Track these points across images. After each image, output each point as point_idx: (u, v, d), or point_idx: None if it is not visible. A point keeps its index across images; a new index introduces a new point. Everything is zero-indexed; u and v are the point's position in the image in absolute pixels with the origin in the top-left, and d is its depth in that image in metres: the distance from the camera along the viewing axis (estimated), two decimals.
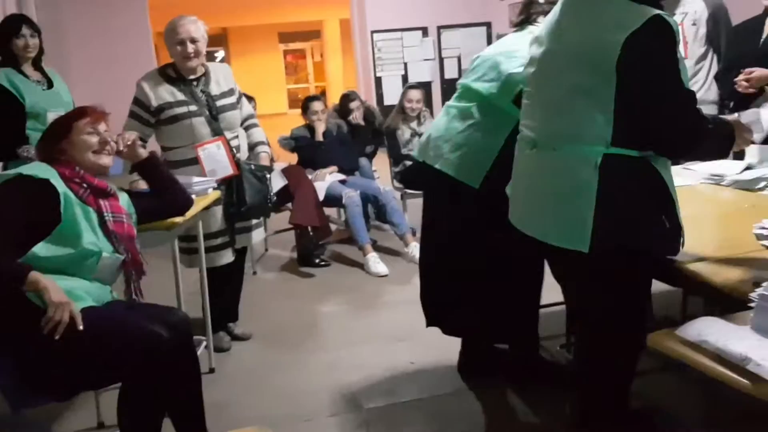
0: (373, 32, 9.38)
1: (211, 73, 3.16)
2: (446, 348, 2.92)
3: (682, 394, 2.48)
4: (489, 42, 8.57)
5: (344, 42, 15.96)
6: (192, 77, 3.10)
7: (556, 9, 1.92)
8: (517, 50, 2.36)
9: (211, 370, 3.00)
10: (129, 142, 2.43)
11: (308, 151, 4.80)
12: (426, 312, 2.71)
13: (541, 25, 2.02)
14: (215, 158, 3.03)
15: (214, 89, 3.13)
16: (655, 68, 1.68)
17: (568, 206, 1.78)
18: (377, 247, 4.64)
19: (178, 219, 2.54)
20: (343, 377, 2.89)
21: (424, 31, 9.56)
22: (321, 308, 3.84)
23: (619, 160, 1.75)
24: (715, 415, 2.33)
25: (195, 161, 3.02)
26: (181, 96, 3.04)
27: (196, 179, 2.88)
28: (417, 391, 2.71)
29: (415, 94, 5.02)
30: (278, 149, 4.98)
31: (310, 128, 4.86)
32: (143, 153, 2.49)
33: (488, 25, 9.06)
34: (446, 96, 5.93)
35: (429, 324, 2.72)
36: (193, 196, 2.74)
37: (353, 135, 5.03)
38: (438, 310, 2.68)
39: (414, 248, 4.35)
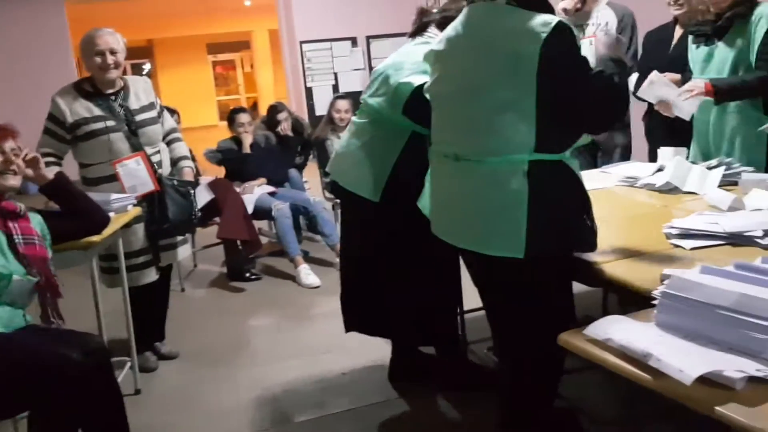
0: (302, 42, 9.36)
1: (129, 86, 3.08)
2: (377, 357, 2.93)
3: (604, 392, 2.56)
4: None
5: (274, 53, 15.87)
6: (110, 91, 3.02)
7: (457, 26, 1.96)
8: (405, 61, 2.43)
9: (137, 392, 2.92)
10: (28, 158, 2.32)
11: (235, 163, 4.74)
12: (345, 317, 2.73)
13: (440, 40, 2.03)
14: (135, 174, 2.95)
15: (134, 103, 3.05)
16: (572, 68, 1.77)
17: (503, 216, 1.82)
18: (309, 259, 4.62)
19: (95, 238, 2.46)
20: (273, 392, 2.86)
21: (354, 41, 9.61)
22: (251, 323, 3.79)
23: (543, 165, 1.81)
24: (636, 411, 2.41)
25: (114, 178, 2.94)
26: (98, 111, 2.95)
27: (114, 196, 2.80)
28: (348, 402, 2.71)
29: (343, 104, 5.02)
30: (205, 163, 4.90)
31: (237, 140, 4.80)
32: (48, 174, 2.40)
33: None
34: None
35: (348, 329, 2.74)
36: (112, 214, 2.67)
37: (282, 146, 5.00)
38: (360, 314, 2.70)
39: None
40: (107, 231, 2.52)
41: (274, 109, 5.18)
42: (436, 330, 2.65)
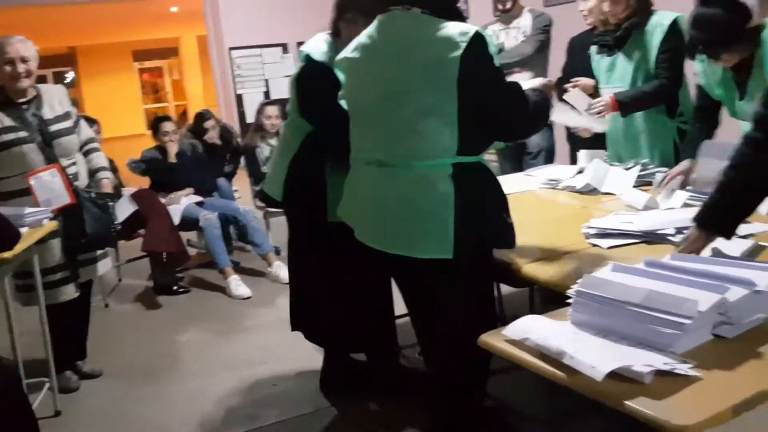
0: (231, 49, 9.23)
1: (43, 95, 2.96)
2: (309, 367, 2.90)
3: (532, 390, 2.60)
4: None
5: (203, 59, 15.56)
6: (22, 100, 2.89)
7: (372, 34, 1.96)
8: None
9: (57, 414, 2.79)
10: None
11: (160, 173, 4.61)
12: (292, 317, 2.74)
13: (354, 48, 2.02)
14: (49, 187, 2.83)
15: (47, 113, 2.93)
16: (490, 76, 1.84)
17: (432, 218, 1.84)
18: (240, 269, 4.53)
19: (6, 254, 2.35)
20: (203, 407, 2.78)
21: (284, 47, 9.53)
22: (180, 337, 3.68)
23: (466, 167, 1.86)
24: (563, 406, 2.46)
25: (28, 191, 2.81)
26: (9, 122, 2.82)
27: (28, 210, 2.68)
28: (278, 414, 2.66)
29: (272, 110, 4.97)
30: (129, 174, 4.75)
31: (162, 150, 4.68)
32: None
33: None
34: None
35: (293, 328, 2.75)
36: (25, 229, 2.55)
37: (210, 155, 4.90)
38: (301, 318, 2.72)
39: (278, 267, 4.30)
40: (19, 247, 2.40)
41: (201, 117, 5.08)
42: (368, 336, 2.64)
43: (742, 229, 1.97)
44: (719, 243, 1.72)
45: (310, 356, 2.91)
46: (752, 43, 2.24)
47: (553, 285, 1.76)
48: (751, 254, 1.77)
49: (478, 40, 1.77)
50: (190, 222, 4.39)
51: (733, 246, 1.80)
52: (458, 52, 1.75)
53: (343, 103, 2.10)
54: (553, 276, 1.83)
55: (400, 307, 2.66)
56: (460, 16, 1.86)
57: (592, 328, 1.34)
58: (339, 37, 2.41)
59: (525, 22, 3.81)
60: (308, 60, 2.43)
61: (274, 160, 2.64)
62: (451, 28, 1.79)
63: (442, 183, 1.83)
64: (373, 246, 2.00)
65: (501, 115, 1.89)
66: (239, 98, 9.27)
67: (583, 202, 2.61)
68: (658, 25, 2.83)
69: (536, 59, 3.75)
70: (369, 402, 2.67)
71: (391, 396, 2.65)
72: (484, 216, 1.89)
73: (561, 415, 2.47)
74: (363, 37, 1.99)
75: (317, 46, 2.45)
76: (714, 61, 2.32)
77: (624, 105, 2.85)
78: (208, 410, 2.75)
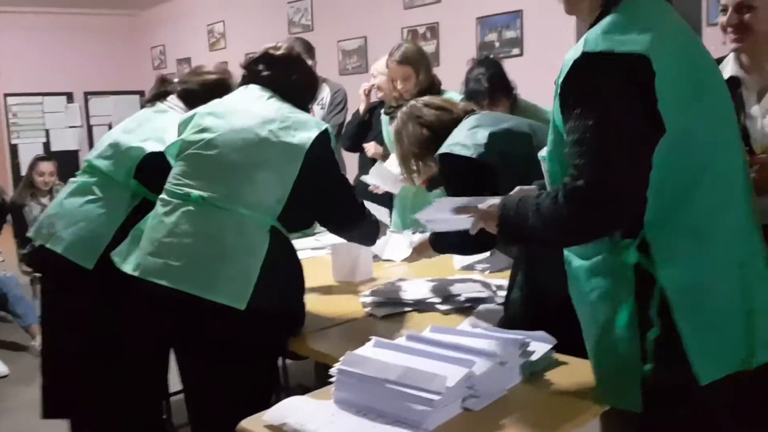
0: (6, 95, 8.44)
1: None
2: None
3: None
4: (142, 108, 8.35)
5: None
6: None
7: (233, 102, 2.03)
8: (141, 127, 2.34)
9: None
10: None
11: None
12: (45, 403, 2.42)
13: (209, 111, 2.01)
14: None
15: None
16: (331, 172, 1.99)
17: (237, 263, 1.78)
18: None
19: None
20: None
21: (69, 96, 8.92)
22: None
23: (280, 235, 1.87)
24: None
25: None
26: None
27: None
28: None
29: (47, 167, 4.57)
30: None
31: None
32: None
33: (141, 93, 8.82)
34: None
35: (46, 416, 2.42)
36: None
37: None
38: (60, 400, 2.41)
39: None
40: None
41: None
42: (141, 415, 2.43)
43: (499, 297, 2.14)
44: (477, 314, 1.83)
45: None
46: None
47: (325, 358, 1.75)
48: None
49: (326, 136, 1.90)
50: None
51: (491, 314, 1.93)
52: (307, 143, 1.85)
53: (183, 137, 2.00)
54: (328, 348, 1.83)
55: (176, 383, 2.50)
56: (307, 108, 2.04)
57: (353, 407, 1.34)
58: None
59: (324, 95, 3.93)
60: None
61: (84, 222, 2.28)
62: (303, 118, 1.93)
63: (259, 233, 1.81)
64: (157, 280, 1.84)
65: (331, 207, 2.00)
66: (14, 148, 8.46)
67: None
68: None
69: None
70: None
71: None
72: (287, 285, 1.88)
73: None
74: (219, 103, 2.04)
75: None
76: None
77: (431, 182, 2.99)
78: None
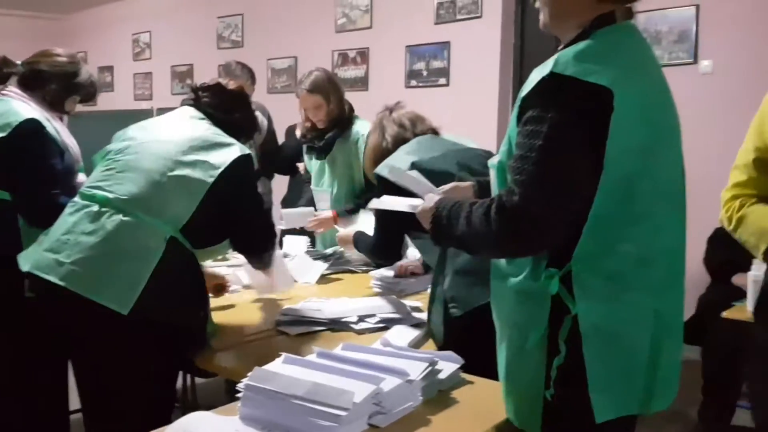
0: None
1: None
2: None
3: None
4: None
5: None
6: None
7: (169, 120, 2.05)
8: None
9: None
10: None
11: None
12: None
13: (140, 127, 2.03)
14: None
15: None
16: (244, 195, 1.98)
17: (127, 265, 1.75)
18: None
19: None
20: None
21: None
22: None
23: (180, 247, 1.84)
24: None
25: None
26: None
27: None
28: None
29: None
30: None
31: None
32: None
33: None
34: None
35: None
36: None
37: None
38: None
39: None
40: None
41: None
42: None
43: (414, 318, 2.17)
44: (389, 333, 1.85)
45: None
46: None
47: (233, 375, 1.72)
48: (418, 344, 1.94)
49: (244, 162, 1.93)
50: None
51: (404, 335, 1.96)
52: (222, 165, 1.87)
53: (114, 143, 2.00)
54: (237, 365, 1.80)
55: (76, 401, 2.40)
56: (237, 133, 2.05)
57: (259, 423, 1.32)
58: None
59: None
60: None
61: None
62: (228, 145, 1.94)
63: (155, 240, 1.79)
64: (42, 275, 1.78)
65: (243, 229, 2.02)
66: None
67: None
68: (360, 135, 3.00)
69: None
70: None
71: None
72: (181, 295, 1.84)
73: None
74: (157, 121, 2.09)
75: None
76: None
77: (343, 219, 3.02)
78: None
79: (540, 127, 1.18)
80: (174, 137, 1.93)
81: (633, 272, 1.25)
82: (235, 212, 1.96)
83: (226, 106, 2.08)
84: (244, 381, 1.37)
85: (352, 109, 3.12)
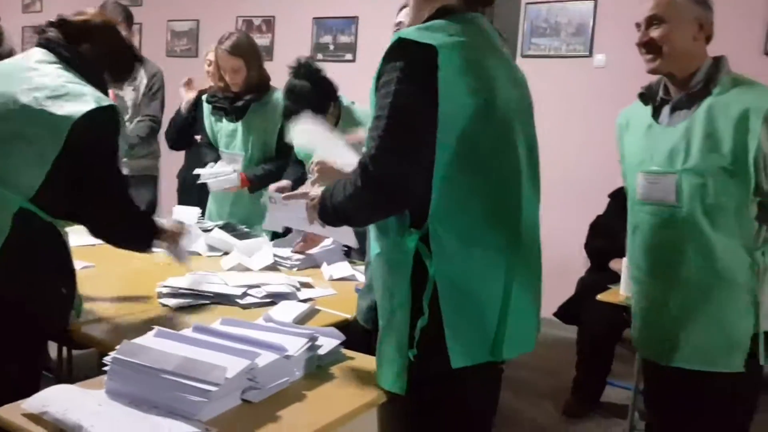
0: None
1: None
2: None
3: None
4: None
5: None
6: None
7: (12, 60, 1.83)
8: None
9: None
10: None
11: None
12: None
13: None
14: None
15: None
16: (96, 157, 1.69)
17: None
18: None
19: None
20: None
21: None
22: None
23: (33, 218, 1.66)
24: None
25: None
26: None
27: None
28: None
29: None
30: None
31: None
32: None
33: None
34: None
35: None
36: None
37: None
38: None
39: None
40: None
41: None
42: None
43: (302, 293, 2.15)
44: (273, 310, 1.83)
45: None
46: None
47: (106, 348, 1.65)
48: (303, 319, 1.92)
49: (104, 113, 1.66)
50: None
51: (290, 309, 1.93)
52: (73, 118, 1.61)
53: None
54: (111, 338, 1.72)
55: None
56: (101, 82, 1.79)
57: (126, 398, 1.27)
58: None
59: (139, 77, 3.69)
60: None
61: None
62: (85, 90, 1.68)
63: (1, 214, 1.62)
64: None
65: (92, 200, 1.73)
66: None
67: (169, 258, 2.55)
68: (278, 100, 2.88)
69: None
70: None
71: None
72: (32, 278, 1.68)
73: None
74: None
75: None
76: None
77: (253, 183, 2.96)
78: None
79: (389, 87, 1.27)
80: (13, 89, 1.67)
81: (482, 229, 1.33)
82: (81, 178, 1.68)
83: (71, 37, 1.78)
84: (112, 354, 1.31)
85: (269, 79, 3.05)
